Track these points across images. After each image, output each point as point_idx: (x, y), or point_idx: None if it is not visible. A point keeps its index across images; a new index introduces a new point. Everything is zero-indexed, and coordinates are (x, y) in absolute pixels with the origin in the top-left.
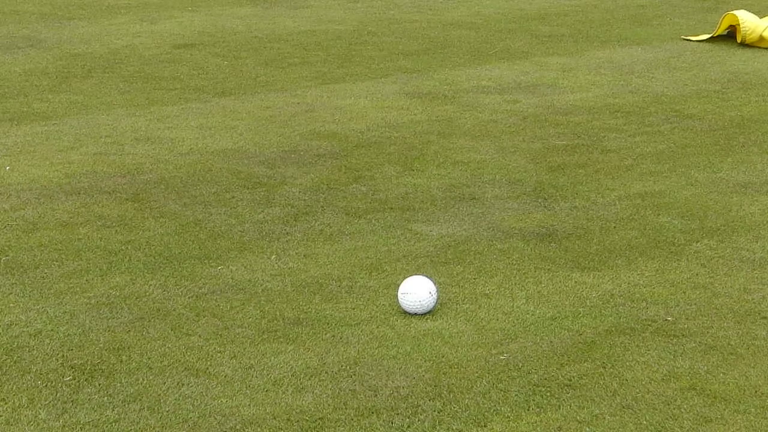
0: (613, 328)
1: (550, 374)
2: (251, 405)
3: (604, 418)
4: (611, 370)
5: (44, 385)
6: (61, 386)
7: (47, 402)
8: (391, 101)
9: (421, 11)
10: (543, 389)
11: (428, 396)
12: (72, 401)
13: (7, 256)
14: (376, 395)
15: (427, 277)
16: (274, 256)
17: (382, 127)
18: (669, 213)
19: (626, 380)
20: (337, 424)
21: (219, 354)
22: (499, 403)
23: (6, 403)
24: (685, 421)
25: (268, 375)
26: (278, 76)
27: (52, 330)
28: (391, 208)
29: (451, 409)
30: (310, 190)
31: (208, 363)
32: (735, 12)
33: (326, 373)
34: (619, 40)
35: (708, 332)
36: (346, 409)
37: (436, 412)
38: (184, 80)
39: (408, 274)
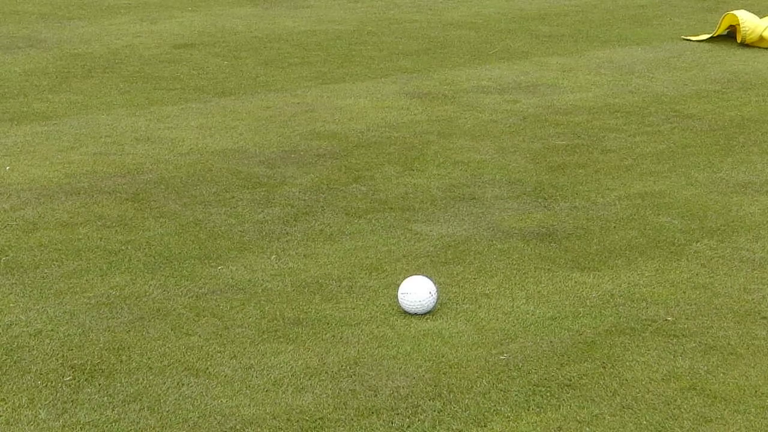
0: (613, 328)
1: (550, 374)
2: (251, 405)
3: (604, 418)
4: (611, 370)
5: (44, 385)
6: (61, 386)
7: (47, 402)
8: (391, 101)
9: (421, 11)
10: (543, 389)
11: (428, 396)
12: (72, 401)
13: (7, 256)
14: (376, 395)
15: (427, 277)
16: (274, 256)
17: (382, 127)
18: (669, 213)
19: (626, 380)
20: (337, 424)
21: (219, 354)
22: (499, 403)
23: (6, 403)
24: (685, 421)
25: (268, 375)
26: (278, 76)
27: (52, 330)
28: (391, 208)
29: (451, 409)
30: (310, 190)
31: (208, 363)
32: (735, 12)
33: (326, 373)
34: (619, 40)
35: (708, 332)
36: (346, 409)
37: (436, 412)
38: (184, 80)
39: (408, 274)
